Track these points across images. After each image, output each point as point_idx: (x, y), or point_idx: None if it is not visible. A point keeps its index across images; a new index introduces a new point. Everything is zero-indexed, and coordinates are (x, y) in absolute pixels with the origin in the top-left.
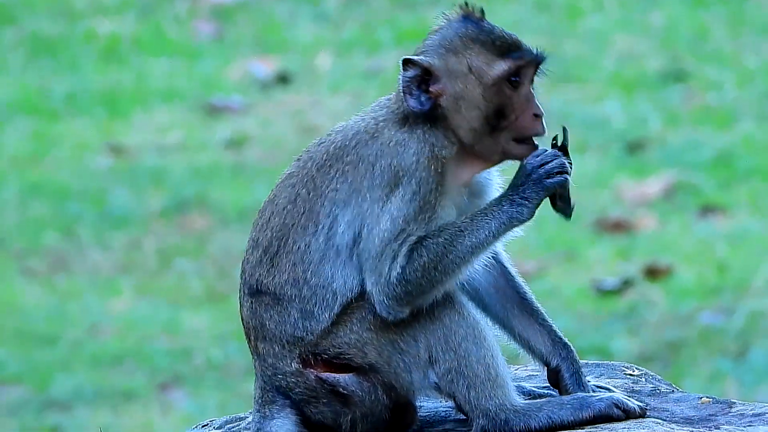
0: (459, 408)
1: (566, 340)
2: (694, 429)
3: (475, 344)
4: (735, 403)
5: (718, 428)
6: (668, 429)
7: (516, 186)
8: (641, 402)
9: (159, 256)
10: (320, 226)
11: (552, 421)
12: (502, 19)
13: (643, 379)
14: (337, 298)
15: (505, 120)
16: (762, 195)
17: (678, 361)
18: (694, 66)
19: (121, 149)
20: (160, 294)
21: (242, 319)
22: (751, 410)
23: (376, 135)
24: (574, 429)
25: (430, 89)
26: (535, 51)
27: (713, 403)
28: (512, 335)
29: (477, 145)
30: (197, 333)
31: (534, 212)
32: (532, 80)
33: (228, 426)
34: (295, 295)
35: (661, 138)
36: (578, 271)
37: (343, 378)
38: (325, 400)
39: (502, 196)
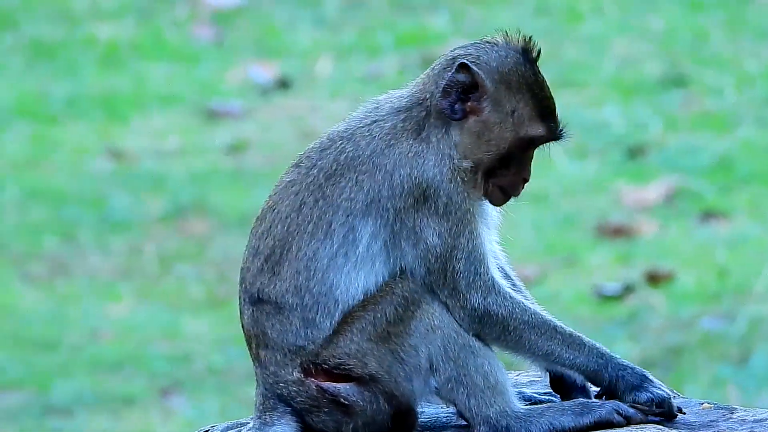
0: (460, 415)
1: None
2: None
3: (474, 353)
4: (736, 408)
5: None
6: None
7: (632, 372)
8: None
9: (159, 260)
10: (332, 234)
11: (553, 427)
12: (501, 22)
13: None
14: (338, 305)
15: (504, 170)
16: (762, 200)
17: (679, 367)
18: (694, 71)
19: (121, 154)
20: (160, 299)
21: (243, 327)
22: (752, 416)
23: (392, 143)
24: None
25: (469, 103)
26: (561, 129)
27: (714, 408)
28: None
29: (473, 173)
30: (197, 338)
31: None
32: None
33: None
34: (296, 304)
35: (661, 143)
36: (579, 276)
37: (344, 388)
38: (326, 410)
39: (611, 359)
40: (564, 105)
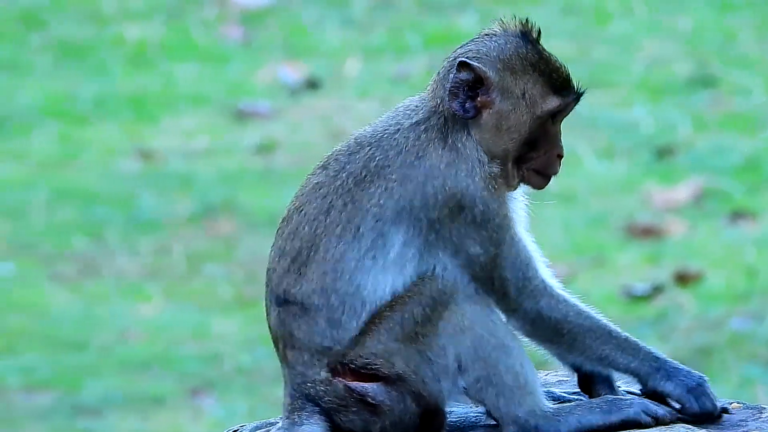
0: (489, 414)
1: None
2: None
3: (504, 352)
4: (765, 408)
5: None
6: None
7: (681, 371)
8: (671, 408)
9: (187, 260)
10: (360, 238)
11: (581, 425)
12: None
13: None
14: (365, 305)
15: (534, 152)
16: None
17: (708, 367)
18: (722, 71)
19: (149, 154)
20: (188, 299)
21: (270, 328)
22: None
23: (421, 156)
24: None
25: (478, 98)
26: (579, 90)
27: (744, 408)
28: None
29: (503, 166)
30: (226, 338)
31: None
32: (564, 117)
33: None
34: (322, 305)
35: (690, 143)
36: (608, 276)
37: (371, 387)
38: (354, 409)
39: (666, 362)
40: (593, 105)
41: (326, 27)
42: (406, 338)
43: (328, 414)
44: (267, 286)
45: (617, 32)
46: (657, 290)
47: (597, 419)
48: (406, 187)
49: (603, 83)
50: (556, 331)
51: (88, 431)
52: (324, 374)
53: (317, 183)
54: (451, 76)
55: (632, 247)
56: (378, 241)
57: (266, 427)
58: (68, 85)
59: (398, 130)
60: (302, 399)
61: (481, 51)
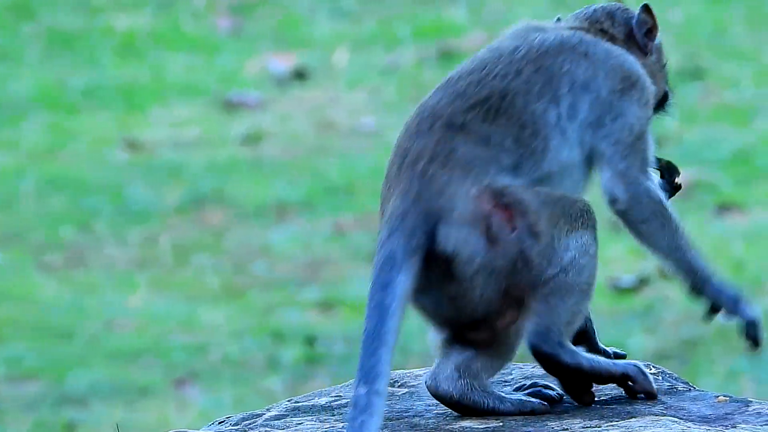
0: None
1: None
2: (710, 428)
3: (582, 297)
4: (752, 401)
5: (735, 427)
6: (684, 428)
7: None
8: (659, 401)
9: (176, 251)
10: (559, 100)
11: (592, 367)
12: (520, 14)
13: (660, 377)
14: (543, 168)
15: None
16: None
17: (695, 360)
18: (712, 63)
19: (139, 144)
20: (176, 289)
21: (401, 144)
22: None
23: (596, 43)
24: (602, 382)
25: (650, 43)
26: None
27: (730, 401)
28: None
29: None
30: (214, 328)
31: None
32: None
33: (245, 423)
34: (508, 147)
35: (679, 135)
36: None
37: (506, 218)
38: (478, 230)
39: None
40: None
41: (316, 18)
42: (557, 216)
43: (436, 231)
44: (421, 114)
45: None
46: (643, 283)
47: (606, 366)
48: (591, 60)
49: None
50: (653, 211)
51: (74, 421)
52: (474, 191)
53: (484, 60)
54: (637, 15)
55: (619, 240)
56: (572, 108)
57: (253, 418)
58: (58, 74)
59: (546, 32)
60: (415, 216)
61: (619, 11)
